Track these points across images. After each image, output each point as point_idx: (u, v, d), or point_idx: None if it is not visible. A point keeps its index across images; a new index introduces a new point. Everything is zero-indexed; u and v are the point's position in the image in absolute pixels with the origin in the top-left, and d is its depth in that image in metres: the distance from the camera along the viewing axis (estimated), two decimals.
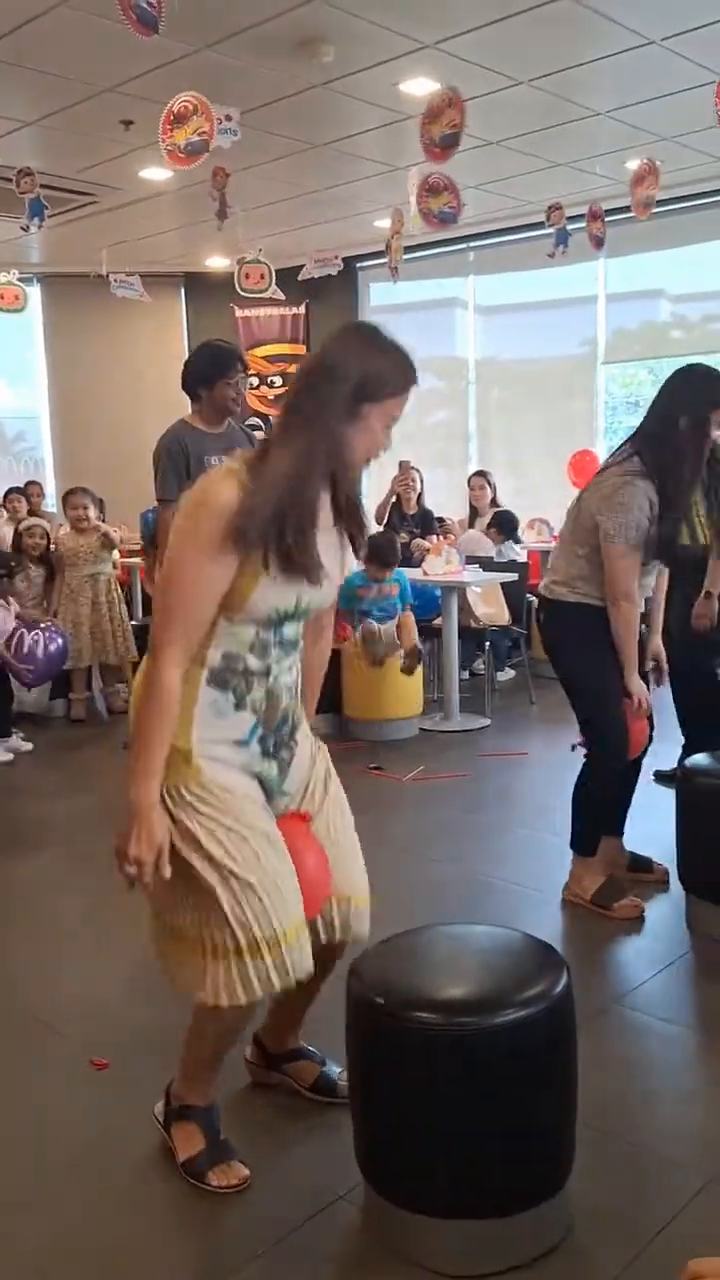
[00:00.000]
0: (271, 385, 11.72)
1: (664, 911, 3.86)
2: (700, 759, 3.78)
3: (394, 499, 9.06)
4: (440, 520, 9.10)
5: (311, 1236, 2.27)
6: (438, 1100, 2.10)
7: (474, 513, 8.92)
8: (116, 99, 6.43)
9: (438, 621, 7.00)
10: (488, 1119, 2.10)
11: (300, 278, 8.70)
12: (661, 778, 5.17)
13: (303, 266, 8.93)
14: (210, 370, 4.87)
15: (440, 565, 6.91)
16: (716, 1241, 2.19)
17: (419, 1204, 2.17)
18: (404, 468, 9.03)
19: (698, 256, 9.25)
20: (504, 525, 8.43)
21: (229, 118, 5.46)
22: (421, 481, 9.08)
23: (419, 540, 8.48)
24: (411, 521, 8.89)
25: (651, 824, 4.49)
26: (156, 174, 7.84)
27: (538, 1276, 2.14)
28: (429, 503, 9.23)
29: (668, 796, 3.96)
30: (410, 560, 8.23)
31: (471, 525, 8.85)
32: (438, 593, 7.03)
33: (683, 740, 4.86)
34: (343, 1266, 2.22)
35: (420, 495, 9.05)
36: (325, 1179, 2.43)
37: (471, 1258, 2.16)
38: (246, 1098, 2.78)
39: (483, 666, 7.52)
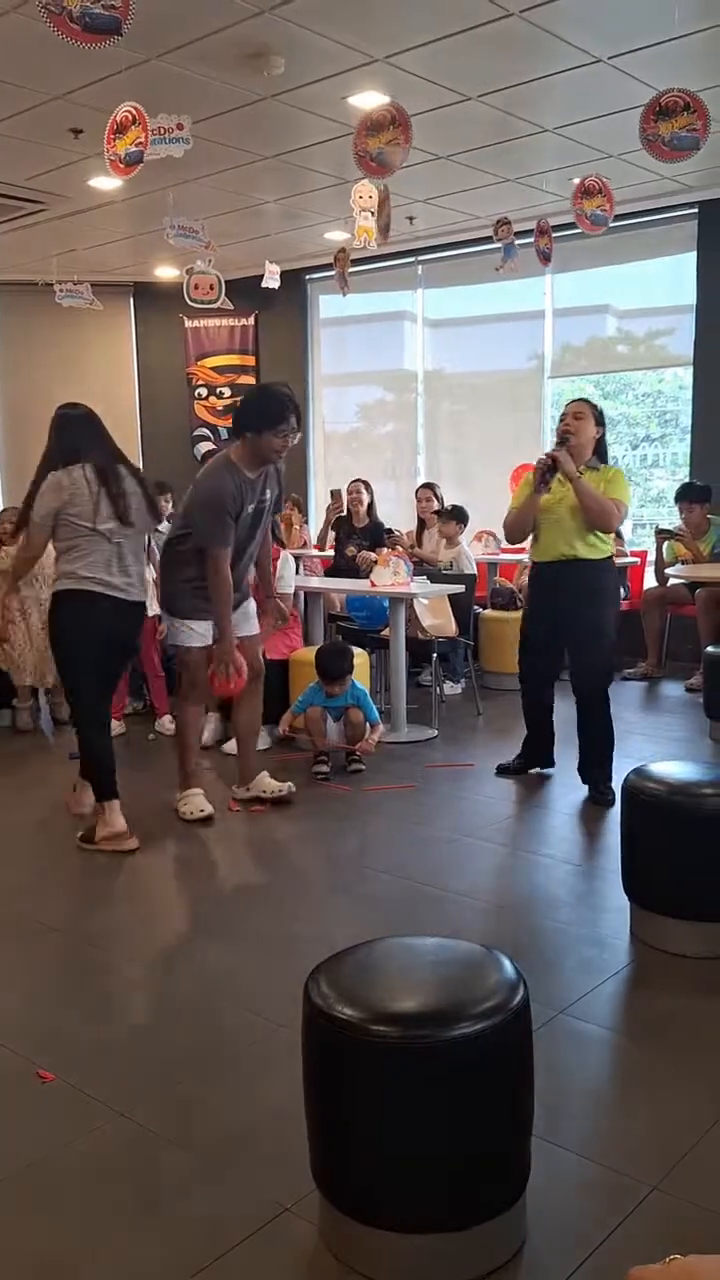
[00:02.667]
0: (220, 396, 11.71)
1: (609, 921, 3.90)
2: (643, 771, 3.82)
3: (343, 514, 9.11)
4: (389, 531, 9.14)
5: (259, 1249, 2.26)
6: (394, 1113, 2.10)
7: (421, 525, 8.96)
8: (66, 107, 6.40)
9: (385, 633, 7.02)
10: (444, 1132, 2.10)
11: (263, 284, 8.68)
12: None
13: (249, 278, 8.93)
14: (262, 418, 4.78)
15: (388, 576, 6.92)
16: (661, 1248, 2.21)
17: (374, 1217, 2.16)
18: (336, 496, 9.16)
19: (643, 273, 9.37)
20: (458, 515, 8.49)
21: (180, 126, 5.45)
22: (370, 494, 9.12)
23: (364, 553, 8.54)
24: (361, 535, 8.93)
25: (602, 837, 4.55)
26: (105, 183, 7.81)
27: None
28: (380, 512, 9.27)
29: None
30: (356, 572, 8.29)
31: (419, 536, 8.89)
32: (385, 604, 7.05)
33: None
34: (294, 1279, 2.21)
35: (370, 506, 9.09)
36: (274, 1191, 2.43)
37: (427, 1272, 2.16)
38: (195, 1106, 2.78)
39: (429, 678, 7.55)
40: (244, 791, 5.35)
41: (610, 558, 5.35)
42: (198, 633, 5.00)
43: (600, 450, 5.32)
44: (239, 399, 4.96)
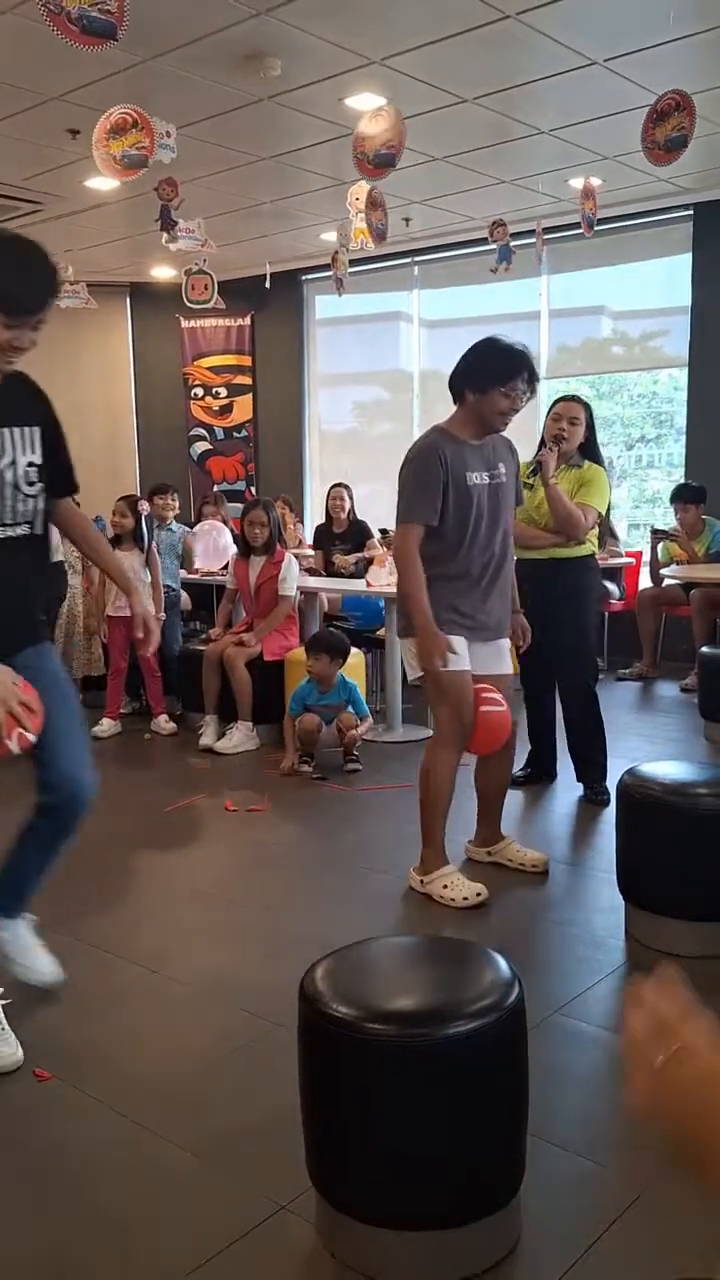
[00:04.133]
0: (216, 396, 11.72)
1: (604, 921, 3.91)
2: (638, 771, 3.84)
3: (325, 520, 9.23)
4: (385, 532, 9.16)
5: (255, 1247, 2.28)
6: (390, 1111, 2.11)
7: None
8: (63, 108, 6.42)
9: (381, 633, 7.04)
10: (440, 1130, 2.11)
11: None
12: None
13: (246, 278, 8.95)
14: (488, 373, 4.06)
15: (384, 576, 6.94)
16: (651, 1248, 2.22)
17: (370, 1214, 2.18)
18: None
19: (638, 274, 9.39)
20: None
21: (168, 134, 5.47)
22: (351, 498, 9.17)
23: (342, 557, 8.60)
24: (342, 539, 8.99)
25: (597, 837, 4.57)
26: (102, 184, 7.82)
27: None
28: (373, 514, 9.31)
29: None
30: (338, 575, 8.38)
31: None
32: (381, 604, 7.07)
33: None
34: (290, 1277, 2.22)
35: (351, 511, 9.14)
36: (271, 1189, 2.44)
37: (422, 1269, 2.17)
38: (191, 1105, 2.79)
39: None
40: (484, 854, 4.52)
41: (591, 555, 5.32)
42: (454, 652, 4.04)
43: (590, 448, 5.27)
44: (461, 359, 4.17)
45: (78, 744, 3.09)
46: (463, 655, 4.07)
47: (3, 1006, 3.08)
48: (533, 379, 4.12)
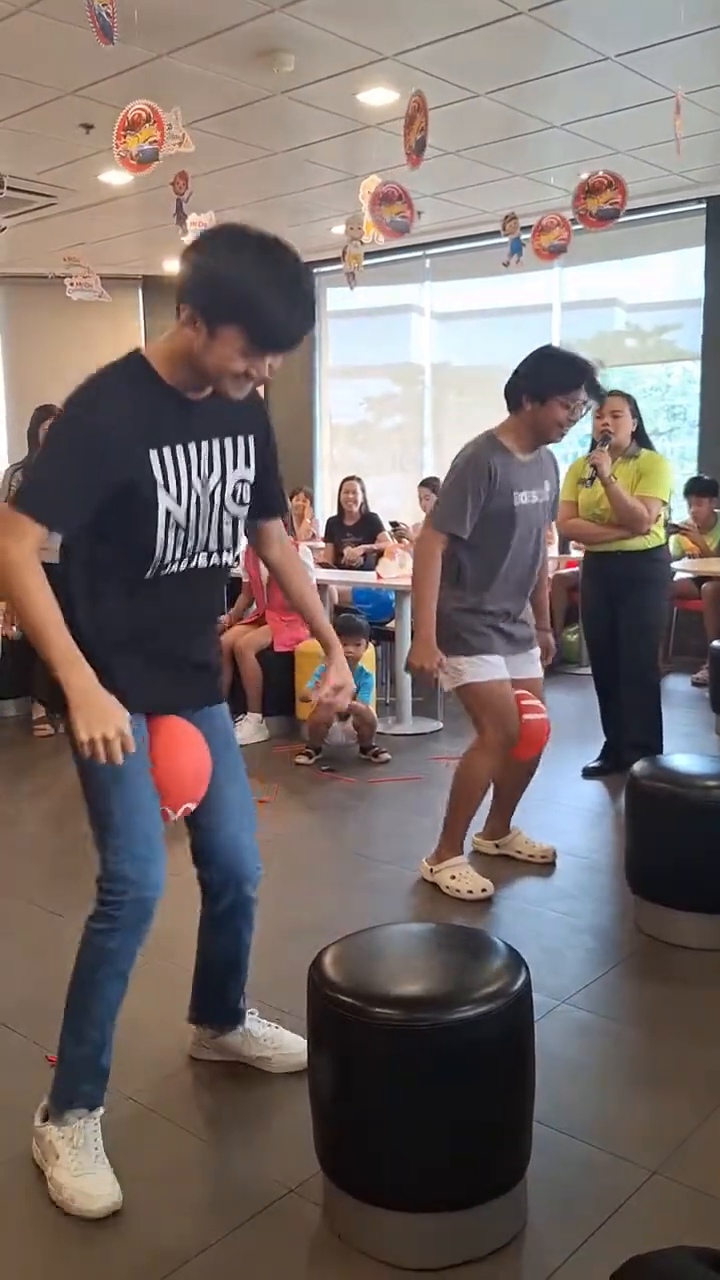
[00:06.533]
0: None
1: (613, 912, 3.94)
2: (646, 764, 3.87)
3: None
4: (395, 524, 9.19)
5: (263, 1229, 2.31)
6: (398, 1094, 2.15)
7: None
8: (77, 103, 6.44)
9: (391, 625, 7.07)
10: (447, 1113, 2.14)
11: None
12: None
13: None
14: (548, 380, 3.91)
15: (394, 569, 6.97)
16: (659, 1231, 2.26)
17: (377, 1197, 2.21)
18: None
19: (650, 267, 9.39)
20: (432, 486, 8.55)
21: (172, 125, 5.50)
22: (363, 490, 9.19)
23: (351, 549, 8.63)
24: (354, 531, 9.01)
25: (606, 829, 4.59)
26: (116, 178, 7.85)
27: (492, 1269, 2.20)
28: (383, 506, 9.33)
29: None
30: (347, 567, 8.40)
31: None
32: (391, 596, 7.10)
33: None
34: (297, 1259, 2.26)
35: (364, 504, 9.16)
36: (279, 1172, 2.48)
37: (429, 1251, 2.20)
38: (200, 1090, 2.83)
39: None
40: (491, 847, 4.55)
41: (661, 546, 5.34)
42: (490, 663, 4.08)
43: (640, 436, 5.27)
44: (520, 365, 4.08)
45: (240, 814, 2.71)
46: (500, 666, 4.08)
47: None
48: (594, 390, 4.04)
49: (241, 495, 2.48)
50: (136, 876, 2.39)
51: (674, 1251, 1.53)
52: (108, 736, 2.18)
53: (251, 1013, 2.94)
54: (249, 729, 6.49)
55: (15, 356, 11.79)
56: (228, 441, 2.42)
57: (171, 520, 2.32)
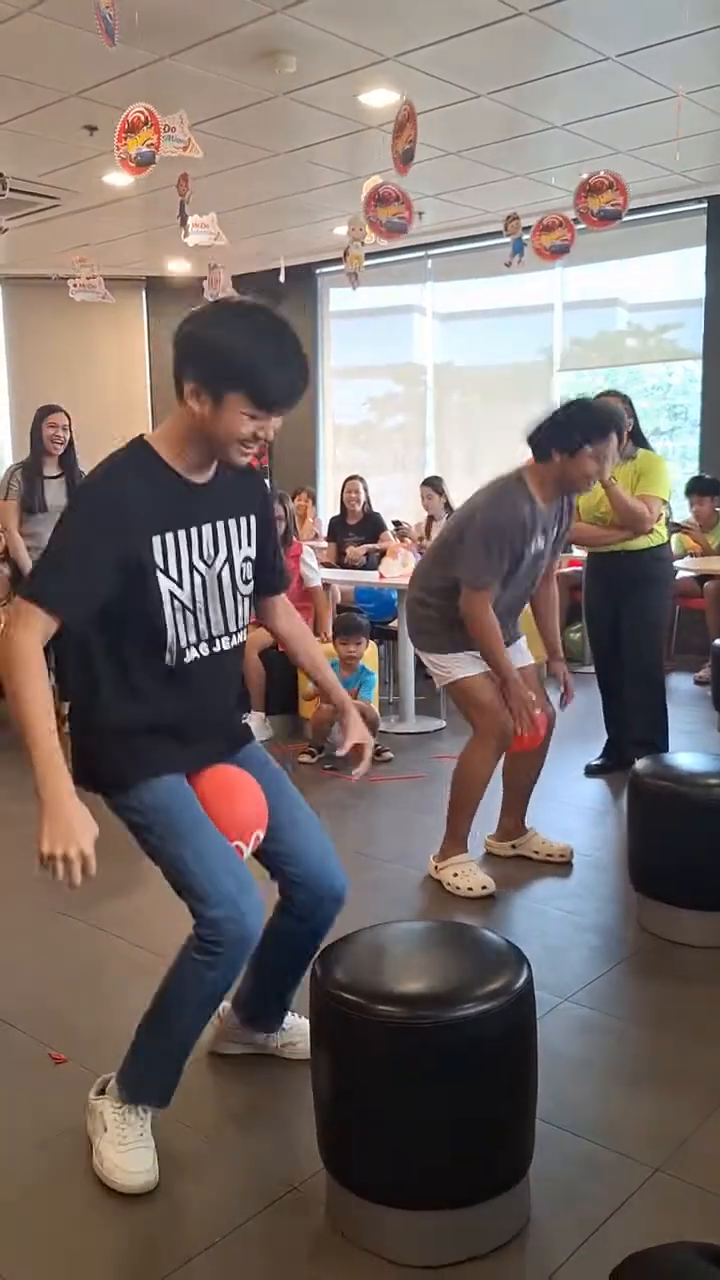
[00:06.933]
0: None
1: (615, 910, 3.95)
2: (649, 762, 3.88)
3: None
4: (398, 524, 9.21)
5: (268, 1226, 2.33)
6: (400, 1092, 2.16)
7: (430, 520, 9.03)
8: (81, 104, 6.46)
9: (394, 624, 7.08)
10: (450, 1111, 2.15)
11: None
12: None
13: (261, 272, 8.99)
14: (577, 431, 3.89)
15: (396, 568, 6.98)
16: (661, 1228, 2.27)
17: (380, 1194, 2.22)
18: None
19: (652, 267, 9.40)
20: (434, 485, 8.55)
21: (171, 128, 5.51)
22: (366, 490, 9.21)
23: (353, 548, 8.64)
24: (356, 530, 9.02)
25: (608, 827, 4.59)
26: (119, 179, 7.86)
27: (494, 1266, 2.21)
28: (386, 505, 9.34)
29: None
30: (349, 566, 8.41)
31: (429, 530, 8.95)
32: (394, 596, 7.11)
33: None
34: (300, 1256, 2.27)
35: (366, 504, 9.17)
36: (283, 1169, 2.49)
37: (431, 1249, 2.21)
38: (204, 1087, 2.84)
39: None
40: (507, 848, 4.54)
41: (663, 545, 5.36)
42: (475, 658, 4.12)
43: (637, 436, 5.27)
44: (552, 414, 4.02)
45: (315, 833, 2.73)
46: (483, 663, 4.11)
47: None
48: (621, 440, 4.06)
49: (247, 573, 2.54)
50: (234, 915, 2.38)
51: (675, 1247, 1.54)
52: (69, 855, 2.25)
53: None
54: (252, 727, 6.49)
55: (19, 358, 11.81)
56: (232, 523, 2.49)
57: (176, 603, 2.38)
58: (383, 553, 7.97)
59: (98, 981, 3.49)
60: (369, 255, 8.95)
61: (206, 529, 2.42)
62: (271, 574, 2.67)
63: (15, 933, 3.89)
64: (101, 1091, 2.61)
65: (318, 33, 5.48)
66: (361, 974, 2.25)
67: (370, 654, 6.54)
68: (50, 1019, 3.23)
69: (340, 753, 2.80)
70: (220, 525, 2.46)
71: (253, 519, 2.54)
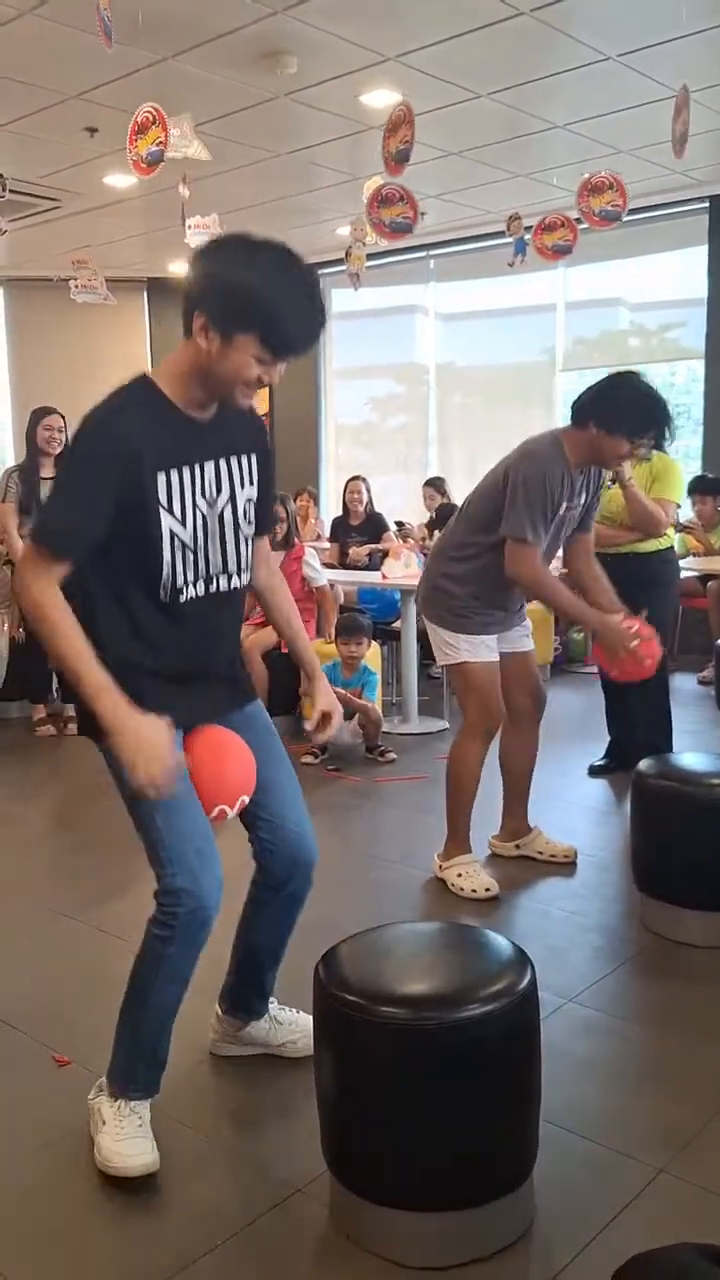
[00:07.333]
0: None
1: (619, 911, 3.95)
2: (652, 762, 3.87)
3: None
4: (400, 524, 9.21)
5: (272, 1228, 2.32)
6: (404, 1093, 2.15)
7: (433, 519, 9.03)
8: (82, 106, 6.47)
9: (397, 624, 7.07)
10: (453, 1112, 2.15)
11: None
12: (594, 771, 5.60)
13: None
14: (622, 417, 3.80)
15: (399, 569, 6.98)
16: (666, 1229, 2.26)
17: (384, 1196, 2.22)
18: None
19: (655, 266, 9.40)
20: (436, 486, 8.55)
21: (180, 130, 5.52)
22: (368, 490, 9.21)
23: (356, 549, 8.64)
24: (359, 531, 9.02)
25: (611, 827, 4.58)
26: (120, 180, 7.88)
27: (498, 1268, 2.20)
28: (388, 506, 9.34)
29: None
30: (352, 567, 8.41)
31: (432, 530, 8.95)
32: (396, 596, 7.11)
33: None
34: (304, 1257, 2.27)
35: (369, 504, 9.17)
36: (287, 1171, 2.49)
37: (436, 1250, 2.21)
38: (206, 1089, 2.84)
39: (440, 670, 7.59)
40: (511, 848, 4.51)
41: (670, 548, 5.35)
42: (486, 645, 4.10)
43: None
44: (603, 384, 3.91)
45: (296, 802, 2.73)
46: (494, 648, 4.12)
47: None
48: (662, 436, 3.92)
49: (249, 514, 2.49)
50: (191, 888, 2.40)
51: (677, 1248, 1.54)
52: (160, 776, 2.24)
53: (272, 1000, 2.97)
54: None
55: (20, 359, 11.81)
56: (234, 460, 2.44)
57: (177, 541, 2.34)
58: (385, 553, 7.97)
59: (100, 983, 3.47)
60: (371, 256, 8.96)
61: (209, 466, 2.38)
62: (263, 516, 2.59)
63: (17, 934, 3.89)
64: (100, 1092, 2.63)
65: (319, 33, 5.49)
66: (365, 975, 2.25)
67: (373, 655, 6.54)
68: (52, 1021, 3.23)
69: (309, 725, 2.77)
70: (223, 463, 2.41)
71: (254, 458, 2.49)
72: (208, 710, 2.55)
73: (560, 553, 4.29)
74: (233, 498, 2.43)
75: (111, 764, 2.39)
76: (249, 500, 2.47)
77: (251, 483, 2.49)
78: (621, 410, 3.81)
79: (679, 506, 5.24)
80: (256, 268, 2.20)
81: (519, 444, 4.04)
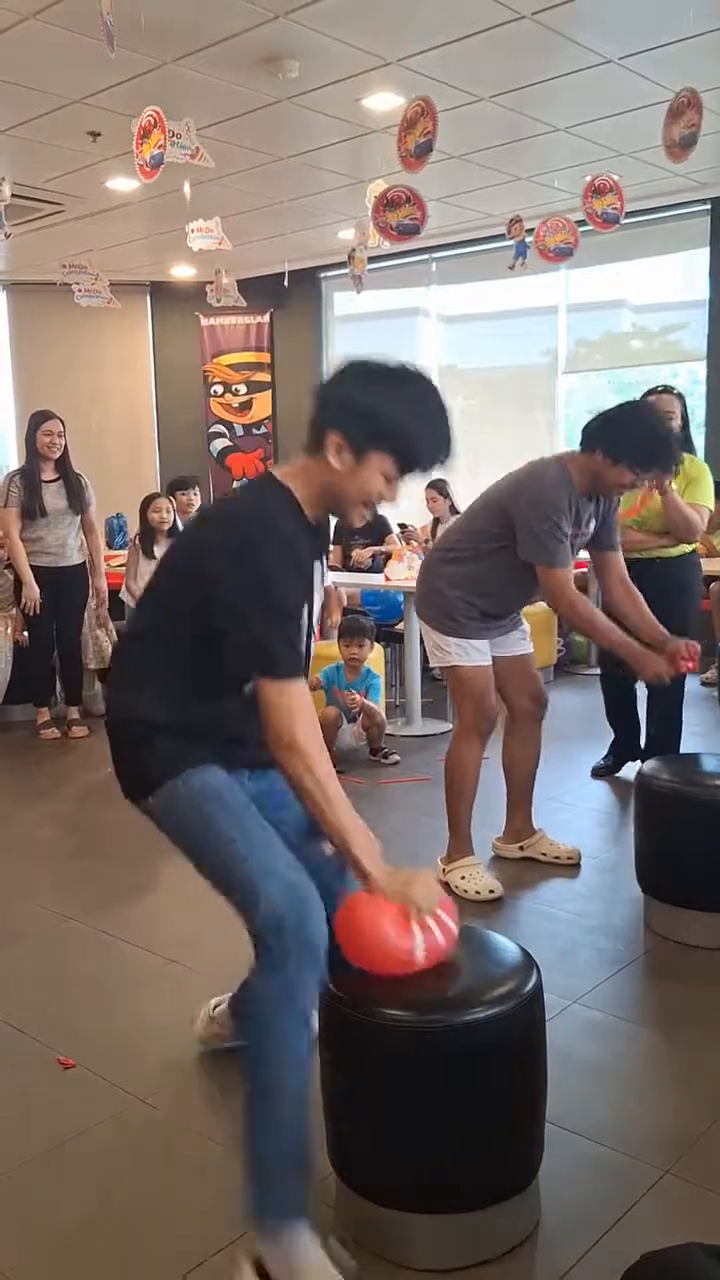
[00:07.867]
0: (236, 393, 11.78)
1: (623, 912, 3.95)
2: (656, 763, 3.88)
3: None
4: (403, 527, 9.21)
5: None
6: (409, 1096, 2.15)
7: (436, 522, 9.03)
8: (84, 111, 6.47)
9: (400, 627, 7.08)
10: (459, 1114, 2.15)
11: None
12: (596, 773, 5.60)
13: (265, 276, 9.01)
14: (631, 449, 3.78)
15: (402, 571, 6.98)
16: (672, 1230, 2.26)
17: (390, 1198, 2.22)
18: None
19: (656, 268, 9.40)
20: (439, 488, 8.57)
21: (179, 134, 5.52)
22: None
23: (360, 551, 8.65)
24: (362, 534, 9.02)
25: (616, 829, 4.57)
26: (123, 184, 7.89)
27: (505, 1270, 2.21)
28: (391, 508, 9.31)
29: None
30: (355, 569, 8.42)
31: (434, 531, 8.95)
32: (399, 598, 7.11)
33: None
34: None
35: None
36: None
37: (442, 1252, 2.21)
38: (209, 1091, 2.85)
39: (441, 671, 7.59)
40: (515, 850, 4.51)
41: (694, 552, 5.33)
42: (478, 649, 4.11)
43: (686, 441, 5.17)
44: (614, 412, 3.93)
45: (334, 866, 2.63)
46: (486, 652, 4.13)
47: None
48: (666, 472, 4.04)
49: (316, 616, 2.53)
50: (293, 897, 2.21)
51: (686, 1247, 1.54)
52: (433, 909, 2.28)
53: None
54: None
55: (24, 363, 11.82)
56: (318, 565, 2.50)
57: (302, 633, 2.36)
58: (388, 556, 7.97)
59: (105, 986, 3.49)
60: (373, 259, 8.97)
61: (316, 571, 2.44)
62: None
63: (22, 937, 3.89)
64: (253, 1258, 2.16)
65: (320, 37, 5.50)
66: (370, 978, 2.25)
67: (376, 657, 6.54)
68: (58, 1024, 3.23)
69: None
70: (318, 566, 2.48)
71: (324, 560, 2.56)
72: (247, 761, 2.54)
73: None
74: (312, 600, 2.44)
75: (167, 820, 2.38)
76: (321, 604, 2.59)
77: (322, 585, 2.53)
78: (628, 442, 3.79)
79: (712, 511, 5.20)
80: (394, 392, 2.35)
81: (525, 464, 4.07)
